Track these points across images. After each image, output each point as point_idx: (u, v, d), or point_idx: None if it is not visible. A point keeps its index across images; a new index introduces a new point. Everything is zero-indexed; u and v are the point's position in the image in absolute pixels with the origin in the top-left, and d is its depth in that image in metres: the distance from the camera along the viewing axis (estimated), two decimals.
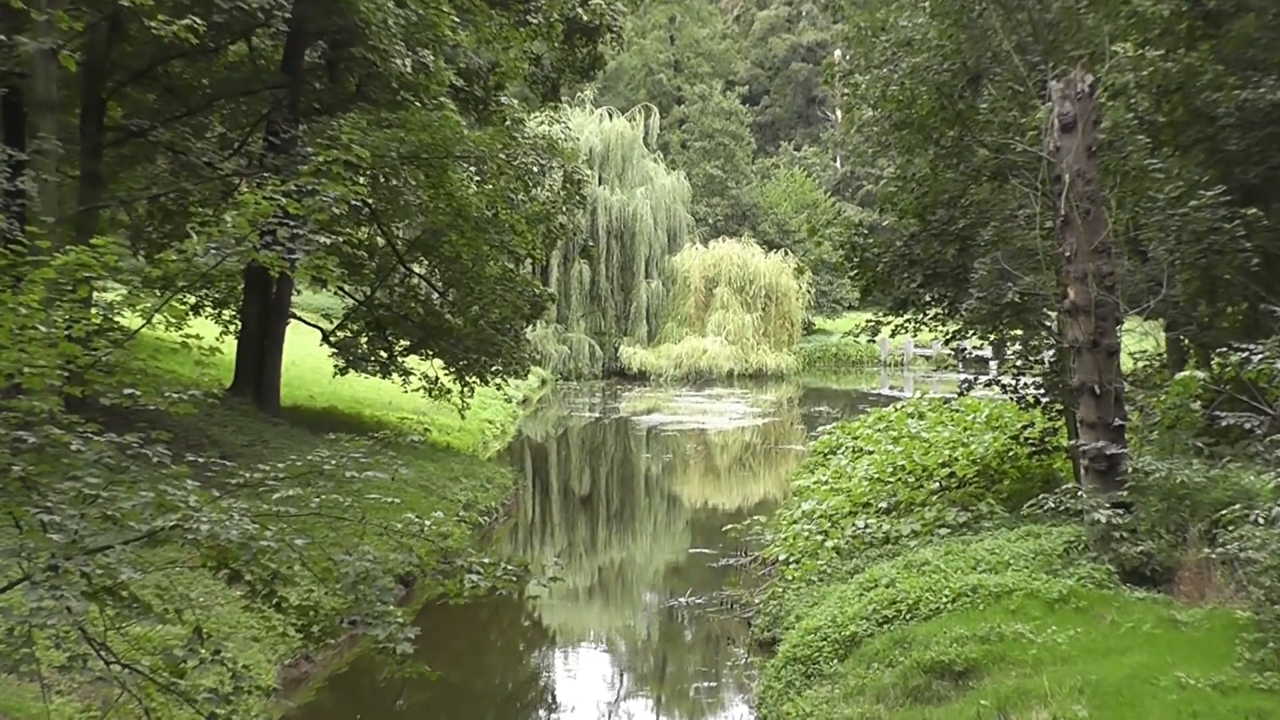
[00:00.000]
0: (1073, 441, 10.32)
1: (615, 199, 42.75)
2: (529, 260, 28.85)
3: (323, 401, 21.56)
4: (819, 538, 12.71)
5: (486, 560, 5.92)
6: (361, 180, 14.40)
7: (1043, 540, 9.57)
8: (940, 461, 14.99)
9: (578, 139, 35.94)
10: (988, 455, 14.47)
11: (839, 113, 67.26)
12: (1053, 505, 9.58)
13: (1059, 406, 12.39)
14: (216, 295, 19.07)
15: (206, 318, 19.07)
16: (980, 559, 9.48)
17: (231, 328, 19.35)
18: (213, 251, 5.31)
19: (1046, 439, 12.95)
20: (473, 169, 17.28)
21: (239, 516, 5.13)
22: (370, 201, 16.80)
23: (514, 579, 5.87)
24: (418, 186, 16.23)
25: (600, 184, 42.49)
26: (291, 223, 5.68)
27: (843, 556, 11.69)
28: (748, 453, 26.19)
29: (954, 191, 12.44)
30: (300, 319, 21.15)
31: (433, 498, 15.12)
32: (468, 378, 20.32)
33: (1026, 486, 12.56)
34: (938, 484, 13.86)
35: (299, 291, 24.05)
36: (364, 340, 20.28)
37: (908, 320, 13.73)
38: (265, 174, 13.43)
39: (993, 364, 14.38)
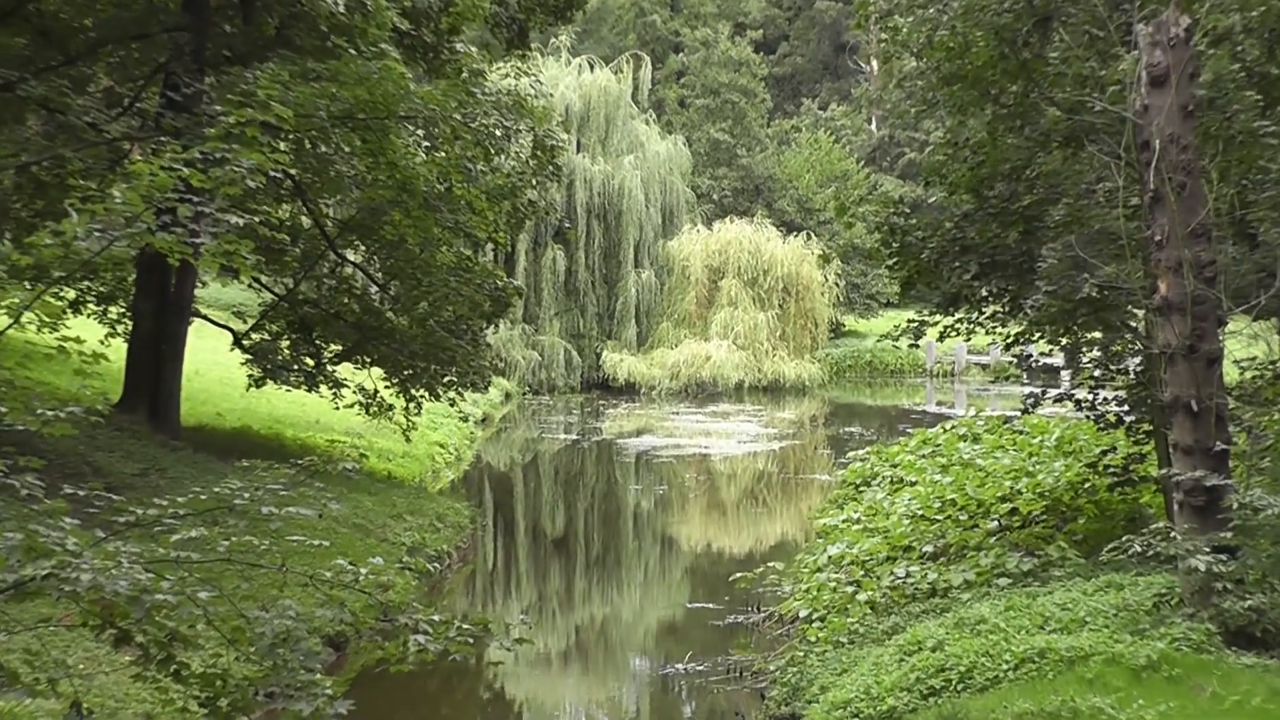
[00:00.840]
0: (1164, 470, 10.33)
1: (597, 170, 42.86)
2: (490, 246, 28.93)
3: (233, 420, 21.51)
4: (849, 589, 12.73)
5: (437, 617, 5.92)
6: (283, 146, 14.38)
7: (1127, 593, 9.59)
8: (1000, 495, 15.02)
9: (551, 95, 35.98)
10: (1058, 487, 14.50)
11: (875, 63, 67.54)
12: (1139, 549, 9.59)
13: (1147, 427, 12.42)
14: (102, 288, 19.01)
15: (89, 316, 19.03)
16: (1049, 616, 9.50)
17: (120, 329, 19.29)
18: (97, 234, 5.29)
19: (1131, 467, 12.99)
20: (421, 133, 17.25)
21: (129, 563, 5.10)
22: (294, 173, 16.75)
23: (470, 641, 5.86)
24: (352, 154, 16.19)
25: (579, 151, 42.62)
26: (196, 199, 5.67)
27: (878, 613, 11.72)
28: (761, 484, 26.21)
29: (1017, 161, 12.47)
30: (206, 318, 21.09)
31: (370, 540, 15.11)
32: (414, 391, 20.30)
33: (1106, 526, 12.60)
34: (996, 523, 13.89)
35: (204, 284, 23.98)
36: (285, 344, 20.24)
37: (959, 320, 13.77)
38: (163, 138, 13.40)
39: (1065, 374, 14.40)
